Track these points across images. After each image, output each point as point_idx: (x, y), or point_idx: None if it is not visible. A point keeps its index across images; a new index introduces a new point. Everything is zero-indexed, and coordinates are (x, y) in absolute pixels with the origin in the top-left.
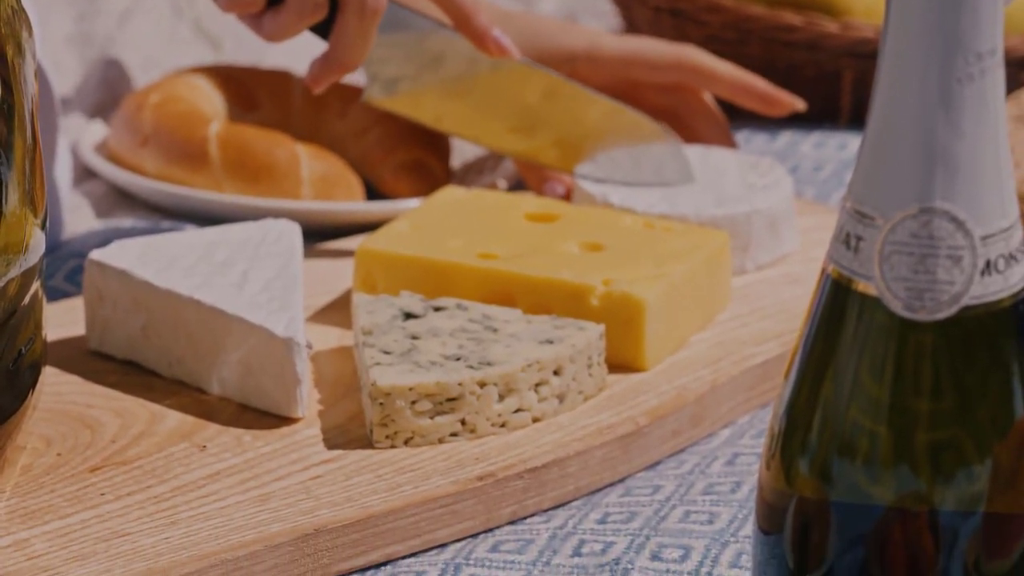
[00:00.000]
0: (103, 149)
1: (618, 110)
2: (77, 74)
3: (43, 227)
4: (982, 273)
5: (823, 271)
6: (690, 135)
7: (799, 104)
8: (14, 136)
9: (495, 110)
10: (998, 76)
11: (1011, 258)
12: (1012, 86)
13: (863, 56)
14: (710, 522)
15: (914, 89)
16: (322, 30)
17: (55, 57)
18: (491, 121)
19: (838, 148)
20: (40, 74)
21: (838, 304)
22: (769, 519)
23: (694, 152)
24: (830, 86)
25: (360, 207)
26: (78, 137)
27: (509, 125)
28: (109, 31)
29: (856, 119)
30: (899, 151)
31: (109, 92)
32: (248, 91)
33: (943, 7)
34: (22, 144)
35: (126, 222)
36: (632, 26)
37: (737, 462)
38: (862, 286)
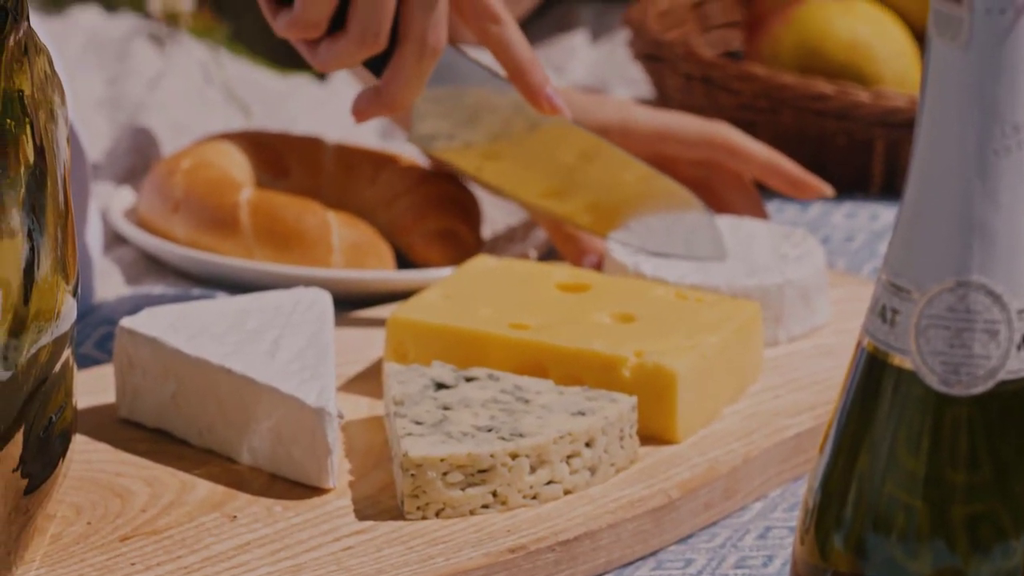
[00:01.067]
0: (132, 215)
1: (654, 175)
2: (107, 138)
3: (75, 294)
4: (1018, 347)
5: (858, 344)
6: (722, 206)
7: (828, 190)
8: (47, 202)
9: (535, 167)
10: None
11: None
12: None
13: (894, 125)
14: None
15: (951, 160)
16: (375, 66)
17: (85, 121)
18: (531, 178)
19: (870, 218)
20: (73, 139)
21: (874, 378)
22: None
23: (726, 223)
24: (862, 155)
25: (391, 276)
26: (108, 203)
27: (548, 184)
28: (139, 95)
29: (887, 188)
30: (935, 223)
31: (139, 158)
32: (279, 157)
33: (981, 78)
34: (55, 210)
35: (156, 289)
36: (663, 94)
37: (769, 535)
38: (898, 360)
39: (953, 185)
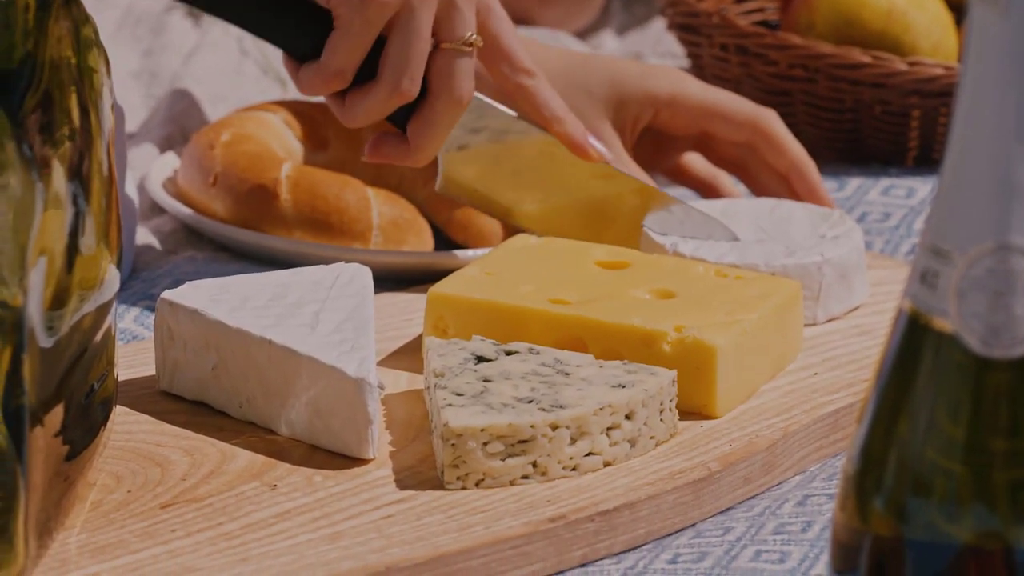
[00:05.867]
0: (171, 186)
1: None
2: (142, 109)
3: (117, 264)
4: None
5: (899, 309)
6: (758, 188)
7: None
8: (92, 170)
9: (566, 204)
10: None
11: None
12: None
13: (931, 94)
14: (781, 561)
15: (991, 124)
16: (399, 119)
17: (121, 93)
18: (564, 221)
19: (906, 195)
20: (116, 109)
21: (914, 341)
22: (844, 559)
23: (765, 204)
24: (898, 125)
25: (429, 256)
26: (147, 172)
27: (578, 217)
28: (175, 68)
29: (923, 160)
30: (975, 187)
31: (176, 127)
32: (317, 128)
33: (1021, 43)
34: (99, 179)
35: (196, 259)
36: (699, 65)
37: (808, 503)
38: (939, 323)
39: (993, 149)
